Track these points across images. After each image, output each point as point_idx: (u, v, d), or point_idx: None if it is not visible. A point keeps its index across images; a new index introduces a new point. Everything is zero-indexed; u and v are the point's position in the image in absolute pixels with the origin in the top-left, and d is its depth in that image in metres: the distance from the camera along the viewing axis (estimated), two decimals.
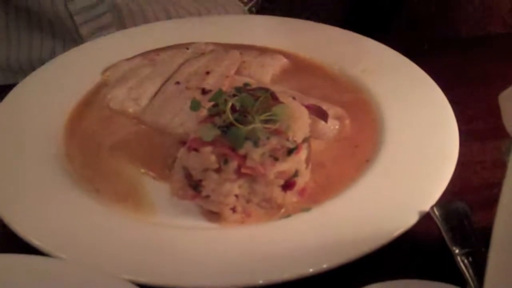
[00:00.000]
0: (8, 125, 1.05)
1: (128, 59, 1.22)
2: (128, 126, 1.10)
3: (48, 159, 0.99)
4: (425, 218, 0.86)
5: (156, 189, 0.96)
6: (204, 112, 0.97)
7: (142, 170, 1.00)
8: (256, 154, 0.88)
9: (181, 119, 1.07)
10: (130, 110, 1.12)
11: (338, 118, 1.05)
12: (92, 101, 1.14)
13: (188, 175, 0.92)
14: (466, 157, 0.97)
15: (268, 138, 0.89)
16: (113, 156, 1.03)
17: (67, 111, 1.11)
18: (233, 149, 0.88)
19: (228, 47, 1.24)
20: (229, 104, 0.91)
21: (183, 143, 0.97)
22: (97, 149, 1.05)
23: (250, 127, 0.88)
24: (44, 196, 0.92)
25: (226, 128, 0.89)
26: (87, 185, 0.96)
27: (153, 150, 1.04)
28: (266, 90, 0.97)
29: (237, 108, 0.91)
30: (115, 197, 0.94)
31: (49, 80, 1.15)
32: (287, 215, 0.89)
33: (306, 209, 0.89)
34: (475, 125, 1.07)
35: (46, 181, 0.95)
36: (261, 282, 0.78)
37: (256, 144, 0.88)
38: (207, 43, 1.26)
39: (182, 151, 0.94)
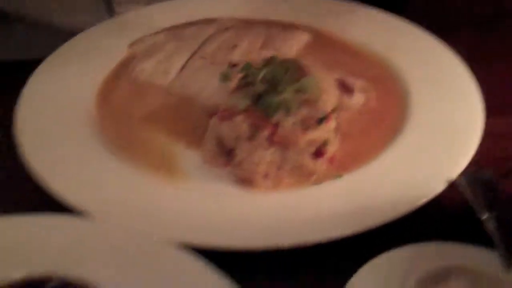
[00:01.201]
0: (42, 94, 1.07)
1: (153, 34, 1.25)
2: (157, 99, 1.12)
3: (82, 129, 1.02)
4: (452, 187, 0.89)
5: (187, 157, 0.98)
6: (233, 84, 1.00)
7: (173, 140, 1.02)
8: (287, 122, 0.90)
9: (209, 92, 1.09)
10: (159, 82, 1.14)
11: (364, 91, 1.07)
12: (121, 73, 1.16)
13: (220, 144, 0.95)
14: (490, 129, 0.99)
15: (298, 108, 0.92)
16: (144, 127, 1.05)
17: (97, 83, 1.13)
18: (265, 118, 0.90)
19: (252, 23, 1.27)
20: (261, 75, 0.93)
21: (211, 114, 1.00)
22: (128, 120, 1.07)
23: (281, 96, 0.91)
24: (80, 161, 0.95)
25: (257, 98, 0.92)
26: (120, 152, 0.98)
27: (183, 121, 1.06)
28: (294, 61, 0.99)
29: (268, 79, 0.94)
30: (148, 164, 0.97)
31: (80, 52, 1.17)
32: (318, 182, 0.91)
33: (336, 177, 0.92)
34: (498, 99, 1.09)
35: (81, 148, 0.98)
36: (291, 243, 0.80)
37: (287, 113, 0.91)
38: (231, 19, 1.28)
39: (214, 120, 0.96)
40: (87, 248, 0.77)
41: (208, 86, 1.10)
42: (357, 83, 1.06)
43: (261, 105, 0.91)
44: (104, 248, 0.78)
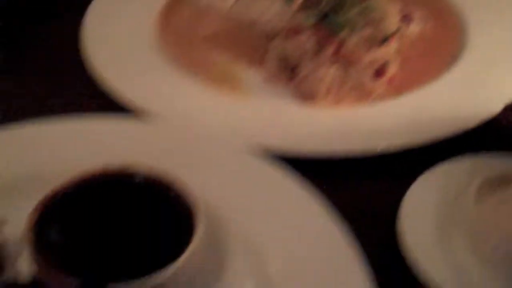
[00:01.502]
0: (108, 11, 1.11)
1: None
2: (217, 23, 1.15)
3: (147, 46, 1.05)
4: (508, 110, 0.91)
5: (249, 76, 1.02)
6: (295, 7, 1.02)
7: (234, 59, 1.05)
8: (351, 41, 0.93)
9: (268, 16, 1.12)
10: (219, 7, 1.17)
11: (422, 19, 1.09)
12: None
13: (282, 61, 0.98)
14: None
15: (363, 27, 0.94)
16: (205, 47, 1.09)
17: (158, 6, 1.16)
18: (330, 36, 0.93)
19: None
20: None
21: (271, 37, 1.03)
22: (190, 40, 1.10)
23: (347, 15, 0.94)
24: (147, 73, 0.99)
25: (323, 17, 0.95)
26: (184, 68, 1.02)
27: (243, 42, 1.09)
28: None
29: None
30: (211, 80, 1.00)
31: None
32: (377, 101, 0.95)
33: (395, 96, 0.95)
34: None
35: (147, 62, 1.02)
36: (354, 151, 0.84)
37: (352, 31, 0.93)
38: None
39: (278, 39, 0.99)
40: (162, 151, 0.81)
41: (267, 11, 1.12)
42: (417, 12, 1.09)
43: (327, 23, 0.94)
44: (174, 150, 0.82)
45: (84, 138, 0.83)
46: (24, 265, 0.68)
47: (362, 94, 0.95)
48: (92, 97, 0.97)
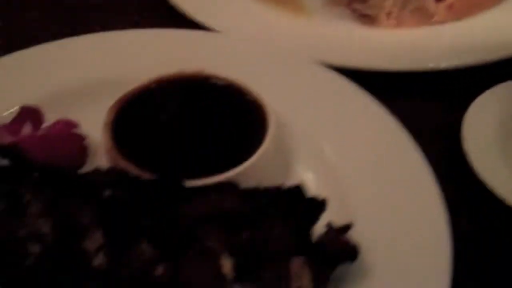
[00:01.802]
0: None
1: None
2: None
3: None
4: None
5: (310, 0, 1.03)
6: None
7: None
8: None
9: None
10: None
11: None
12: None
13: None
14: None
15: None
16: None
17: None
18: None
19: None
20: None
21: None
22: None
23: None
24: None
25: None
26: None
27: None
28: None
29: None
30: (275, 4, 1.01)
31: None
32: (437, 24, 0.96)
33: (454, 20, 0.96)
34: None
35: None
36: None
37: None
38: None
39: None
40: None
41: None
42: None
43: None
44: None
45: (156, 48, 0.85)
46: (103, 160, 0.72)
47: (423, 18, 0.96)
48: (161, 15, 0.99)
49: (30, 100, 0.77)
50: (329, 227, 0.61)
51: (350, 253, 0.60)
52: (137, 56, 0.84)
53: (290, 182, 0.64)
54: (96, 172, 0.68)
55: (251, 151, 0.69)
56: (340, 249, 0.60)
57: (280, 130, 0.73)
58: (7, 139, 0.71)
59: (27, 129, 0.73)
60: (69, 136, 0.71)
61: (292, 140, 0.75)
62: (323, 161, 0.73)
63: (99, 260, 0.60)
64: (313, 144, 0.75)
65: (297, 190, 0.62)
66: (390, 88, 0.84)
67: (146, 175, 0.66)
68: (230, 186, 0.64)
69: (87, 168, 0.71)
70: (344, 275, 0.61)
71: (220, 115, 0.74)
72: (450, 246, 0.63)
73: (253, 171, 0.68)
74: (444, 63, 0.86)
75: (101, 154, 0.73)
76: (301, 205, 0.61)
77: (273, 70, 0.82)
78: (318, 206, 0.61)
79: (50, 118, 0.76)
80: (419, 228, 0.65)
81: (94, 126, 0.73)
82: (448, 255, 0.62)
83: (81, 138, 0.71)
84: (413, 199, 0.68)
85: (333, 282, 0.60)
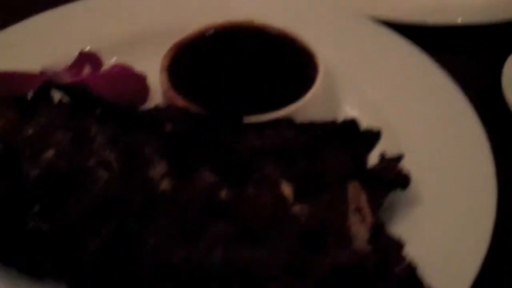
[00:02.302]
0: None
1: None
2: None
3: None
4: None
5: None
6: None
7: None
8: None
9: None
10: None
11: None
12: None
13: None
14: None
15: None
16: None
17: None
18: None
19: None
20: None
21: None
22: None
23: None
24: None
25: None
26: None
27: None
28: None
29: None
30: None
31: None
32: None
33: None
34: None
35: None
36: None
37: None
38: None
39: None
40: None
41: None
42: None
43: None
44: None
45: None
46: (161, 102, 0.75)
47: None
48: None
49: (88, 46, 0.81)
50: (383, 156, 0.64)
51: (402, 180, 0.63)
52: (188, 6, 0.87)
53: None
54: (157, 109, 0.71)
55: (302, 92, 0.73)
56: (393, 176, 0.63)
57: (329, 74, 0.77)
58: (69, 80, 0.75)
59: (87, 72, 0.77)
60: (130, 76, 0.75)
61: (339, 84, 0.79)
62: (369, 102, 0.77)
63: (164, 186, 0.64)
64: (359, 87, 0.78)
65: (352, 123, 0.65)
66: (434, 41, 0.87)
67: (204, 112, 0.70)
68: (286, 121, 0.68)
69: (147, 107, 0.74)
70: (395, 202, 0.65)
71: (272, 60, 0.77)
72: (495, 180, 0.67)
73: (305, 110, 0.72)
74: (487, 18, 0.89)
75: (158, 97, 0.76)
76: (356, 136, 0.64)
77: (322, 22, 0.85)
78: (373, 136, 0.64)
79: (106, 64, 0.80)
80: (465, 163, 0.69)
81: (148, 73, 0.78)
82: (493, 188, 0.66)
83: (142, 78, 0.75)
84: (458, 135, 0.71)
85: (385, 208, 0.64)
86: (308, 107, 0.72)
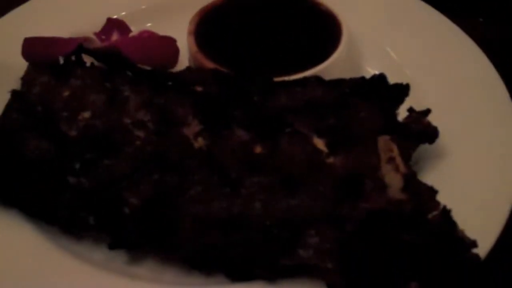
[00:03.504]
0: None
1: None
2: None
3: None
4: None
5: None
6: None
7: None
8: None
9: None
10: None
11: None
12: None
13: None
14: None
15: None
16: None
17: None
18: None
19: None
20: None
21: None
22: None
23: None
24: None
25: None
26: None
27: None
28: None
29: None
30: None
31: None
32: None
33: None
34: None
35: None
36: None
37: None
38: None
39: None
40: None
41: None
42: None
43: None
44: None
45: None
46: (190, 62, 0.77)
47: None
48: None
49: (115, 14, 0.83)
50: (412, 110, 0.66)
51: (430, 133, 0.65)
52: None
53: None
54: (188, 70, 0.73)
55: (327, 54, 0.75)
56: (422, 129, 0.65)
57: (352, 37, 0.79)
58: (99, 45, 0.77)
59: (115, 38, 0.78)
60: (160, 40, 0.77)
61: (363, 46, 0.81)
62: (392, 63, 0.79)
63: (199, 143, 0.66)
64: (381, 49, 0.81)
65: (381, 78, 0.67)
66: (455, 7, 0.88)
67: (233, 73, 0.72)
68: (314, 79, 0.70)
69: (177, 69, 0.76)
70: (423, 155, 0.67)
71: (297, 23, 0.79)
72: None
73: (330, 71, 0.73)
74: None
75: (185, 61, 0.78)
76: (385, 90, 0.66)
77: None
78: (402, 89, 0.66)
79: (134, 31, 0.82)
80: (488, 119, 0.71)
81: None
82: None
83: (172, 41, 0.76)
84: (480, 91, 0.73)
85: (414, 161, 0.66)
86: (332, 69, 0.74)
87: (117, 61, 0.73)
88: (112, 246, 0.61)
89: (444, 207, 0.57)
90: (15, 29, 0.80)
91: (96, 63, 0.74)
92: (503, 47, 0.86)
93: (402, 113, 0.67)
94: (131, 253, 0.63)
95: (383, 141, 0.63)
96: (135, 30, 0.80)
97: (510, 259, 0.64)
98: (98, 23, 0.80)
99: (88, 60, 0.74)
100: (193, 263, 0.61)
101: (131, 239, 0.62)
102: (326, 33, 0.77)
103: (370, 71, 0.78)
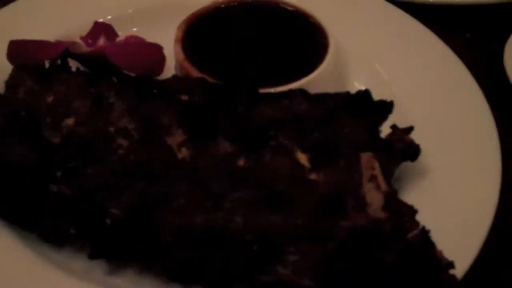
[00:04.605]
0: None
1: None
2: None
3: None
4: None
5: None
6: None
7: None
8: None
9: None
10: None
11: None
12: None
13: None
14: None
15: None
16: None
17: None
18: None
19: None
20: None
21: None
22: None
23: None
24: None
25: None
26: None
27: None
28: None
29: None
30: None
31: None
32: None
33: None
34: None
35: None
36: None
37: None
38: None
39: None
40: None
41: None
42: None
43: None
44: None
45: None
46: (176, 69, 0.77)
47: None
48: None
49: (101, 17, 0.83)
50: (395, 128, 0.67)
51: (413, 151, 0.66)
52: None
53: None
54: (174, 78, 0.73)
55: (313, 67, 0.75)
56: (404, 146, 0.66)
57: (339, 51, 0.79)
58: (85, 49, 0.76)
59: (101, 42, 0.78)
60: (147, 46, 0.76)
61: (349, 60, 0.81)
62: (377, 78, 0.79)
63: (183, 154, 0.66)
64: (368, 63, 0.81)
65: (365, 94, 0.68)
66: (439, 20, 0.89)
67: (219, 83, 0.72)
68: (300, 92, 0.70)
69: (163, 77, 0.75)
70: (404, 173, 0.68)
71: (284, 34, 0.79)
72: (499, 151, 0.70)
73: (315, 84, 0.74)
74: None
75: (172, 67, 0.78)
76: (369, 106, 0.67)
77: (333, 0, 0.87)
78: (386, 106, 0.66)
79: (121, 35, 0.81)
80: (471, 135, 0.72)
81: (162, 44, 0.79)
82: (498, 158, 0.69)
83: (158, 48, 0.76)
84: (464, 110, 0.74)
85: (395, 179, 0.66)
86: (318, 82, 0.74)
87: (103, 67, 0.73)
88: (92, 256, 0.61)
89: (423, 227, 0.58)
90: (0, 30, 0.80)
91: (81, 68, 0.74)
92: (490, 63, 0.87)
93: (385, 130, 0.67)
94: (111, 263, 0.63)
95: (366, 158, 0.64)
96: (121, 34, 0.80)
97: (487, 279, 0.65)
98: (85, 26, 0.80)
99: (73, 64, 0.74)
100: (173, 274, 0.62)
101: (111, 249, 0.62)
102: (313, 45, 0.78)
103: (356, 85, 0.79)
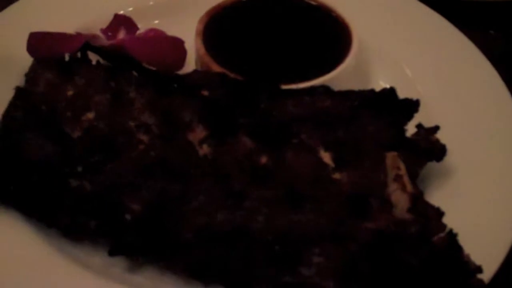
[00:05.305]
0: None
1: None
2: None
3: None
4: None
5: None
6: None
7: None
8: None
9: None
10: None
11: None
12: None
13: None
14: None
15: None
16: None
17: None
18: None
19: None
20: None
21: None
22: None
23: None
24: None
25: None
26: None
27: None
28: None
29: None
30: None
31: None
32: None
33: None
34: None
35: None
36: None
37: None
38: None
39: None
40: None
41: None
42: None
43: None
44: None
45: None
46: (197, 64, 0.76)
47: None
48: None
49: (121, 9, 0.82)
50: (420, 127, 0.65)
51: (438, 151, 0.64)
52: None
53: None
54: (195, 73, 0.72)
55: (336, 63, 0.73)
56: (429, 146, 0.64)
57: (363, 48, 0.77)
58: (105, 42, 0.75)
59: (121, 35, 0.77)
60: (168, 40, 0.75)
61: (373, 58, 0.80)
62: (402, 76, 0.78)
63: (204, 151, 0.65)
64: (393, 61, 0.79)
65: (391, 92, 0.66)
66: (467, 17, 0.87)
67: (241, 78, 0.71)
68: (323, 89, 0.69)
69: (184, 71, 0.74)
70: (430, 173, 0.66)
71: (307, 30, 0.78)
72: None
73: (338, 81, 0.72)
74: None
75: (192, 61, 0.77)
76: (395, 105, 0.65)
77: None
78: (411, 105, 0.65)
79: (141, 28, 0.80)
80: (497, 136, 0.70)
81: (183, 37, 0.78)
82: None
83: (180, 42, 0.75)
84: (490, 110, 0.73)
85: (420, 179, 0.65)
86: (341, 79, 0.73)
87: (123, 61, 0.72)
88: (112, 253, 0.61)
89: (451, 230, 0.57)
90: (20, 22, 0.79)
91: (101, 61, 0.73)
92: None
93: (410, 129, 0.66)
94: (130, 260, 0.62)
95: (391, 157, 0.62)
96: (142, 27, 0.79)
97: None
98: (105, 18, 0.79)
99: (93, 57, 0.73)
100: (193, 273, 0.61)
101: (131, 246, 0.61)
102: (337, 41, 0.76)
103: (381, 84, 0.77)
